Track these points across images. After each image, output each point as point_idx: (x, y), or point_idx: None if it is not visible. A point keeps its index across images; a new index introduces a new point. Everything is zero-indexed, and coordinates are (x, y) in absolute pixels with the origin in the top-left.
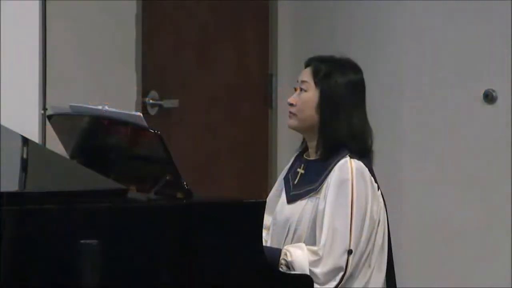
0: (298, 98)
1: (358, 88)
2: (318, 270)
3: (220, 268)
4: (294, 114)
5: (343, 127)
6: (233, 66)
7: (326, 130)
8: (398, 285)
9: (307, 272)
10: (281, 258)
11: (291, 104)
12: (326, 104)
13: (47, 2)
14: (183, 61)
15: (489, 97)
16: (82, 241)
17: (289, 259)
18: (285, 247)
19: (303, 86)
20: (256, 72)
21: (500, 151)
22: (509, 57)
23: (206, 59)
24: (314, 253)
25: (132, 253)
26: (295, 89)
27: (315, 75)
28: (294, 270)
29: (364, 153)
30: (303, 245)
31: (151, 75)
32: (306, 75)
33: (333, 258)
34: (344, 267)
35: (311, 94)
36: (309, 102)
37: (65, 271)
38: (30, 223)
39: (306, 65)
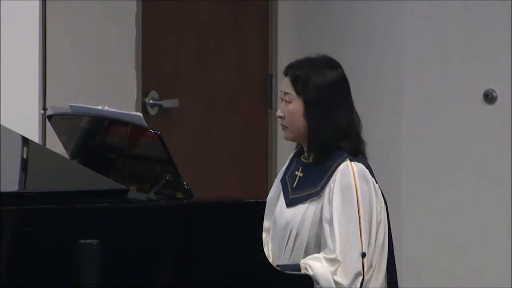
0: (285, 110)
1: (339, 84)
2: (342, 280)
3: (220, 267)
4: (286, 127)
5: (330, 128)
6: (233, 66)
7: (313, 135)
8: (398, 285)
9: (333, 284)
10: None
11: (280, 117)
12: (311, 111)
13: (47, 2)
14: (183, 61)
15: (489, 97)
16: (82, 241)
17: (311, 272)
18: (302, 260)
19: (286, 98)
20: (256, 72)
21: (500, 151)
22: (509, 57)
23: (206, 59)
24: (332, 261)
25: (132, 253)
26: (281, 100)
27: (294, 84)
28: (318, 283)
29: (358, 150)
30: (320, 256)
31: (151, 75)
32: (287, 86)
33: (351, 264)
34: (362, 271)
35: (296, 105)
36: (295, 113)
37: (65, 271)
38: (30, 223)
39: (285, 74)
